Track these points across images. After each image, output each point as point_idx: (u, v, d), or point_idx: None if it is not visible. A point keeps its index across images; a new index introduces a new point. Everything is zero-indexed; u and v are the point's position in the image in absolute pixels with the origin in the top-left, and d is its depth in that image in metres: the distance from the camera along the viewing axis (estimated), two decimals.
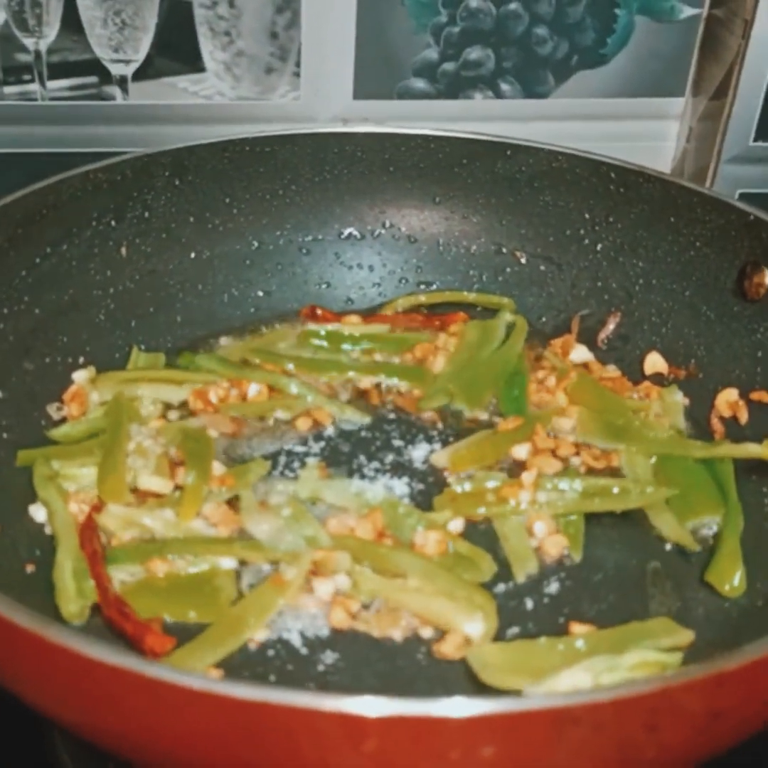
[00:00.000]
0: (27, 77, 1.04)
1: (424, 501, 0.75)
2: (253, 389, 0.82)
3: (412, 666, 0.63)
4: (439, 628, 0.65)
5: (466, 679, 0.62)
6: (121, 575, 0.68)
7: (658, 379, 0.84)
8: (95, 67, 1.04)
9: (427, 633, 0.65)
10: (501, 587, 0.69)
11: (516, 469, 0.77)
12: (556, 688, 0.59)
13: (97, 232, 0.85)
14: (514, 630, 0.66)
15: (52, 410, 0.80)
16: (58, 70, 1.04)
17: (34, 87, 1.05)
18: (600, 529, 0.73)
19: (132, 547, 0.70)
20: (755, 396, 0.79)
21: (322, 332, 0.89)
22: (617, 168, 0.86)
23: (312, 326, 0.90)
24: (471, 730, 0.46)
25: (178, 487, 0.74)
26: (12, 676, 0.54)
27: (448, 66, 1.08)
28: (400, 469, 0.77)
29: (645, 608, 0.68)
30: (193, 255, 0.90)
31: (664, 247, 0.85)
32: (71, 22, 1.01)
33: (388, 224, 0.94)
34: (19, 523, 0.72)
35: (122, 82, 1.06)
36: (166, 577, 0.68)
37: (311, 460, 0.78)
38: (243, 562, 0.69)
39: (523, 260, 0.92)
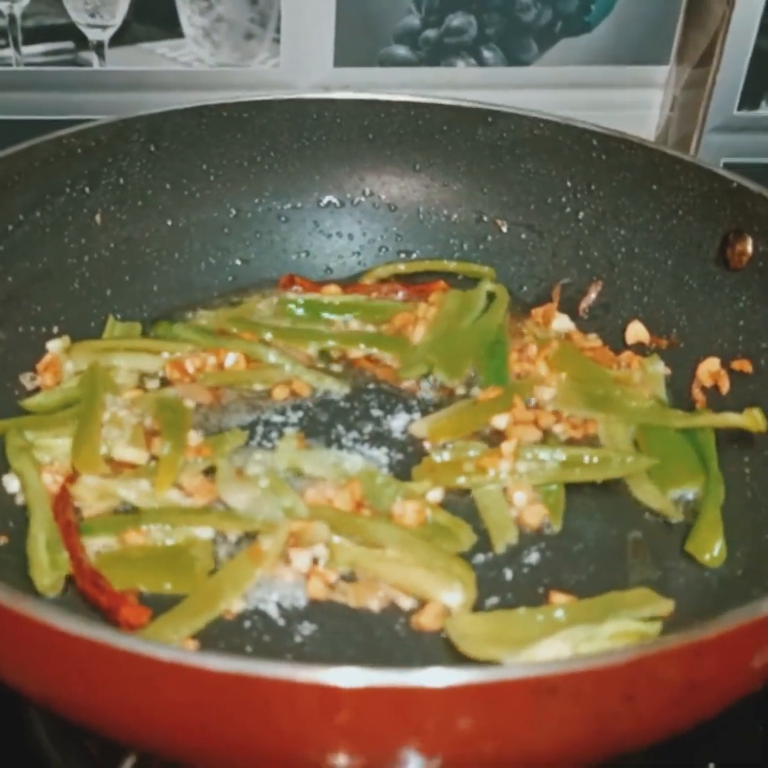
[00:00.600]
0: (1, 42, 1.02)
1: (403, 471, 0.74)
2: (230, 359, 0.81)
3: (390, 637, 0.63)
4: (417, 598, 0.65)
5: (444, 650, 0.62)
6: (96, 546, 0.67)
7: (640, 348, 0.84)
8: (71, 31, 1.02)
9: (405, 603, 0.65)
10: (480, 558, 0.68)
11: (496, 438, 0.76)
12: (535, 658, 0.59)
13: (71, 199, 0.84)
14: (494, 600, 0.66)
15: (26, 380, 0.79)
16: (33, 35, 1.02)
17: (9, 52, 1.03)
18: (581, 499, 0.73)
19: (107, 517, 0.69)
20: (736, 365, 0.78)
21: (301, 301, 0.88)
22: (599, 135, 0.84)
23: (290, 295, 0.89)
24: (449, 700, 0.46)
25: (154, 458, 0.73)
26: None
27: (430, 33, 1.07)
28: (379, 439, 0.77)
29: (625, 578, 0.68)
30: (169, 222, 0.89)
31: (646, 215, 0.84)
32: None
33: (367, 192, 0.93)
34: None
35: (99, 47, 1.04)
36: (141, 547, 0.67)
37: (289, 431, 0.77)
38: (220, 533, 0.69)
39: (504, 229, 0.91)
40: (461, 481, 0.73)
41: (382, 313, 0.87)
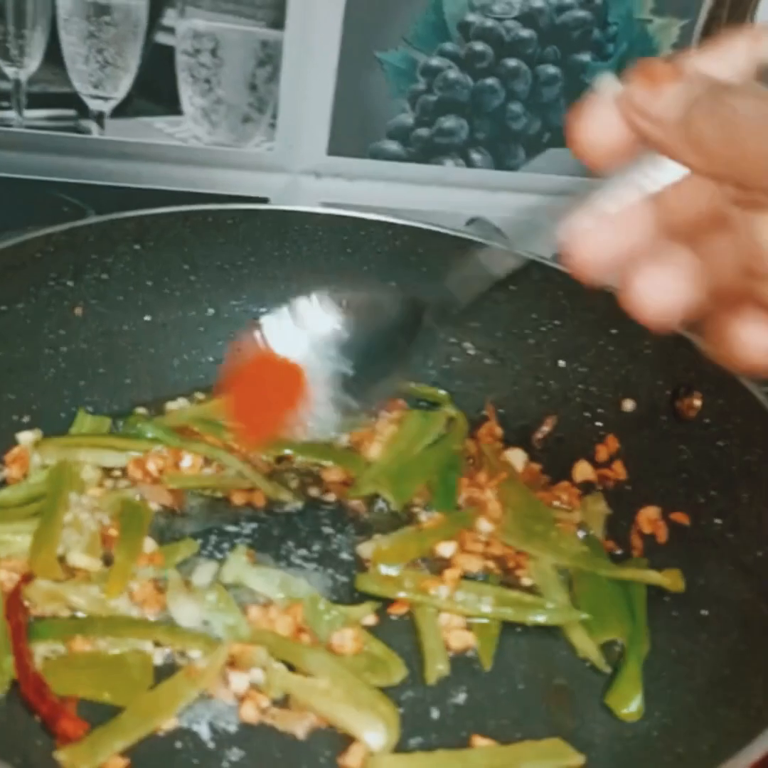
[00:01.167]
0: (5, 104, 1.05)
1: (346, 594, 0.77)
2: (187, 460, 0.84)
3: None
4: (343, 732, 0.67)
5: None
6: (43, 650, 0.70)
7: (587, 486, 0.86)
8: (74, 100, 1.05)
9: (332, 733, 0.67)
10: (409, 693, 0.70)
11: (441, 564, 0.79)
12: None
13: (54, 292, 0.86)
14: (418, 740, 0.68)
15: None
16: (37, 100, 1.05)
17: (12, 114, 1.06)
18: (513, 638, 0.75)
19: (55, 623, 0.71)
20: (675, 517, 0.80)
21: None
22: (565, 275, 0.87)
23: None
24: None
25: (107, 563, 0.75)
26: None
27: (422, 131, 1.10)
28: (327, 558, 0.79)
29: (545, 725, 0.70)
30: (148, 318, 0.91)
31: (605, 356, 0.87)
32: (54, 55, 1.02)
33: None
34: None
35: (99, 117, 1.07)
36: (86, 654, 0.69)
37: (240, 543, 0.79)
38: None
39: (470, 352, 0.93)
40: (402, 595, 0.76)
41: None
